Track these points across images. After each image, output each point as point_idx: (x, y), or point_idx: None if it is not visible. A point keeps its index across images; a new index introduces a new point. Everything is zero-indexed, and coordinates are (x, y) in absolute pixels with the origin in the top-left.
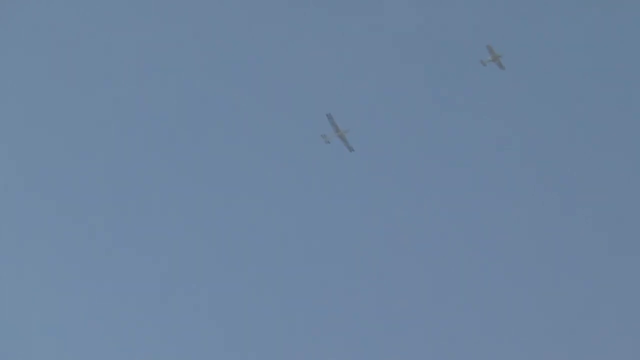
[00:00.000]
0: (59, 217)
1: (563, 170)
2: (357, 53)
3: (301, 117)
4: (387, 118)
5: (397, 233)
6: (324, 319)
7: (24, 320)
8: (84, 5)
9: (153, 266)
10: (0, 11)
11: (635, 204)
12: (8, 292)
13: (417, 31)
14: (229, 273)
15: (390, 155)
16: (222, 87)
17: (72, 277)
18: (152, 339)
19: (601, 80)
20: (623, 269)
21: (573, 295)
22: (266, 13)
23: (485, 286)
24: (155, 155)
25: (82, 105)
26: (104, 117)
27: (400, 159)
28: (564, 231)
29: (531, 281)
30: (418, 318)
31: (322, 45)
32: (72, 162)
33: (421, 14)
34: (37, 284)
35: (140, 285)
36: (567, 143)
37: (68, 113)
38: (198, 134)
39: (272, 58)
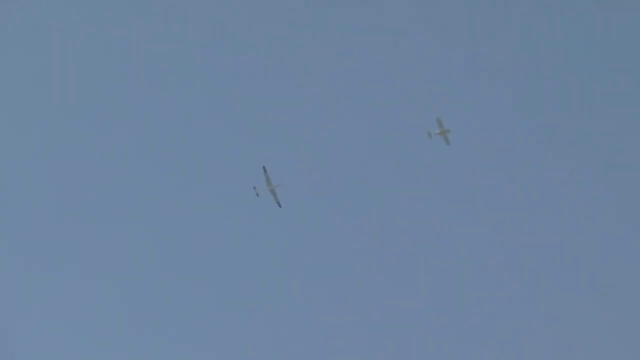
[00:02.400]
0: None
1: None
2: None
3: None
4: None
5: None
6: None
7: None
8: (83, 5)
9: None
10: (0, 11)
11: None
12: None
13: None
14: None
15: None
16: (217, 89)
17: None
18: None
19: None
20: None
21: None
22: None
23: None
24: (143, 157)
25: (81, 106)
26: (103, 117)
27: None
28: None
29: (527, 280)
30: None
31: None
32: (69, 162)
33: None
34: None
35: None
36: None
37: (67, 113)
38: (193, 137)
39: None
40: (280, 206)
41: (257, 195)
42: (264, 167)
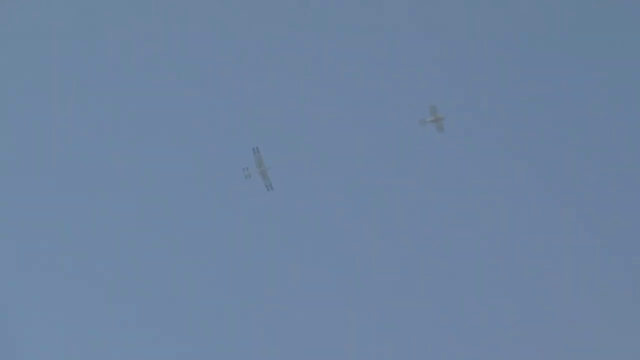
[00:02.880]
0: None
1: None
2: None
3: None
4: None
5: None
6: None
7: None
8: (83, 5)
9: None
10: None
11: None
12: None
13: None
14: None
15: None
16: (216, 87)
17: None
18: None
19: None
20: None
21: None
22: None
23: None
24: (143, 156)
25: (81, 105)
26: (102, 117)
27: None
28: None
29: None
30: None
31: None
32: (70, 161)
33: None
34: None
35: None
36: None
37: (66, 112)
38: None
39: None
40: (272, 189)
41: (249, 177)
42: (255, 149)
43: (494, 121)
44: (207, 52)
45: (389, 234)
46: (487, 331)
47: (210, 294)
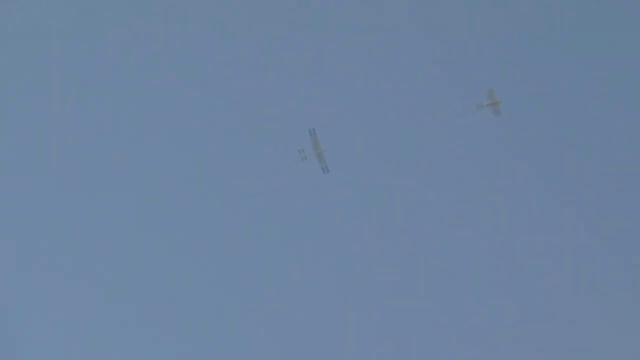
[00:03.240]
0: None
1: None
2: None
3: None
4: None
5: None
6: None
7: None
8: (83, 5)
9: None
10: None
11: None
12: None
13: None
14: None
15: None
16: (216, 87)
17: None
18: None
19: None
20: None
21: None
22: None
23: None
24: (145, 156)
25: (80, 106)
26: (102, 116)
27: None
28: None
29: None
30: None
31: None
32: (71, 160)
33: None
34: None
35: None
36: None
37: (66, 112)
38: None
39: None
40: (328, 171)
41: (305, 159)
42: (311, 130)
43: (494, 121)
44: (207, 52)
45: (389, 234)
46: (487, 331)
47: (210, 294)
